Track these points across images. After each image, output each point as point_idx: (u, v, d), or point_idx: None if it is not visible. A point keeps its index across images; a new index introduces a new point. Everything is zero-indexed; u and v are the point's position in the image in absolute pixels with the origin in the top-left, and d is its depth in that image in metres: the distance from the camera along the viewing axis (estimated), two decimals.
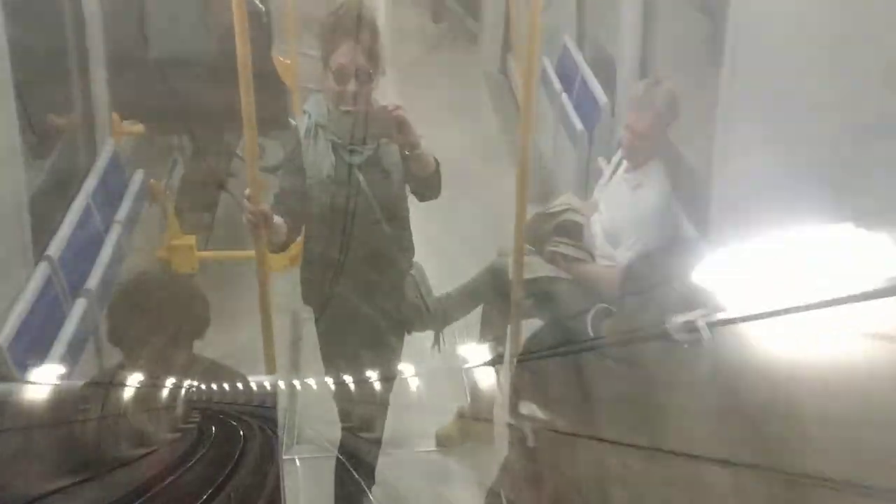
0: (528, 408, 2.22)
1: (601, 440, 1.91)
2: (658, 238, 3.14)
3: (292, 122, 4.31)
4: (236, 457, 3.19)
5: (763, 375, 1.27)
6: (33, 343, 2.79)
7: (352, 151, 2.65)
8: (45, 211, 3.31)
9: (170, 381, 3.03)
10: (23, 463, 2.10)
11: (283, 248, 2.76)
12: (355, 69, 2.53)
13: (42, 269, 3.01)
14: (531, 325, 3.17)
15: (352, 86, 2.54)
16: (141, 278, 2.78)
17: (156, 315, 2.44)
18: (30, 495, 2.01)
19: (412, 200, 2.84)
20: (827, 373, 1.12)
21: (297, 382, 3.93)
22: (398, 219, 2.80)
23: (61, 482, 2.15)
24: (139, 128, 4.25)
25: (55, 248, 3.16)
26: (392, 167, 2.70)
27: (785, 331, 1.14)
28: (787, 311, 1.08)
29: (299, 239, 2.97)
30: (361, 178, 2.67)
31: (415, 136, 2.57)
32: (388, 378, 3.08)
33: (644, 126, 3.16)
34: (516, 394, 2.36)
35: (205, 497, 2.56)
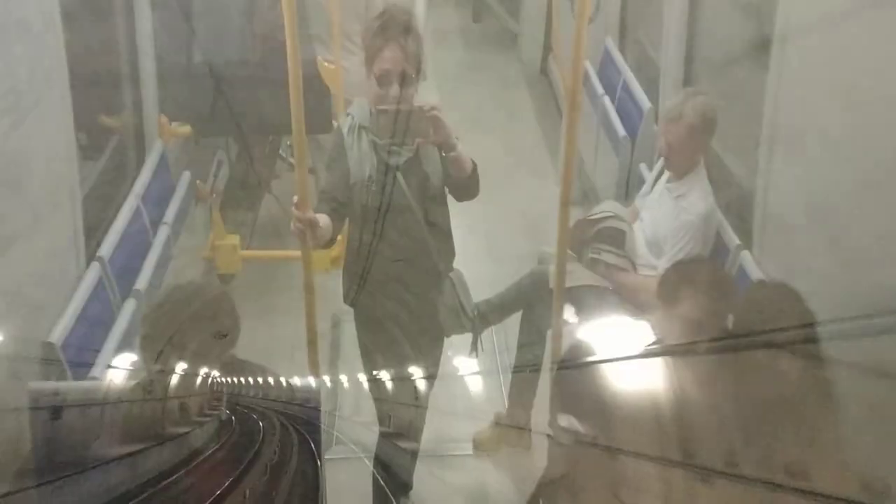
0: (566, 419, 2.23)
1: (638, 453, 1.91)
2: (700, 248, 3.12)
3: (335, 124, 4.36)
4: (254, 452, 3.25)
5: None
6: (85, 342, 2.87)
7: (392, 153, 2.69)
8: (96, 211, 3.39)
9: (207, 378, 3.10)
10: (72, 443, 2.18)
11: (327, 245, 2.82)
12: (398, 73, 2.59)
13: (94, 270, 3.10)
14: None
15: (394, 90, 2.60)
16: (170, 295, 2.84)
17: (185, 334, 2.50)
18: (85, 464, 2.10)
19: (451, 203, 2.87)
20: None
21: (336, 384, 3.98)
22: (438, 221, 2.84)
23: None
24: (186, 129, 4.33)
25: (106, 249, 3.24)
26: (432, 170, 2.74)
27: None
28: None
29: (339, 238, 3.01)
30: (401, 179, 2.72)
31: (450, 137, 2.62)
32: (427, 381, 3.11)
33: (677, 138, 3.16)
34: (555, 403, 2.37)
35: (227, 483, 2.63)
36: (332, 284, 3.48)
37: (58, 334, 2.72)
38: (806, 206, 2.75)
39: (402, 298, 2.92)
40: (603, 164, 4.61)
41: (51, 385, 2.56)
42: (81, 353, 2.83)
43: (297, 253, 2.95)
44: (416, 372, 3.11)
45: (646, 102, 4.25)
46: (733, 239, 3.15)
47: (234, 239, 4.46)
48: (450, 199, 2.86)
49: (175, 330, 2.48)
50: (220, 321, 2.58)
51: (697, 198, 3.15)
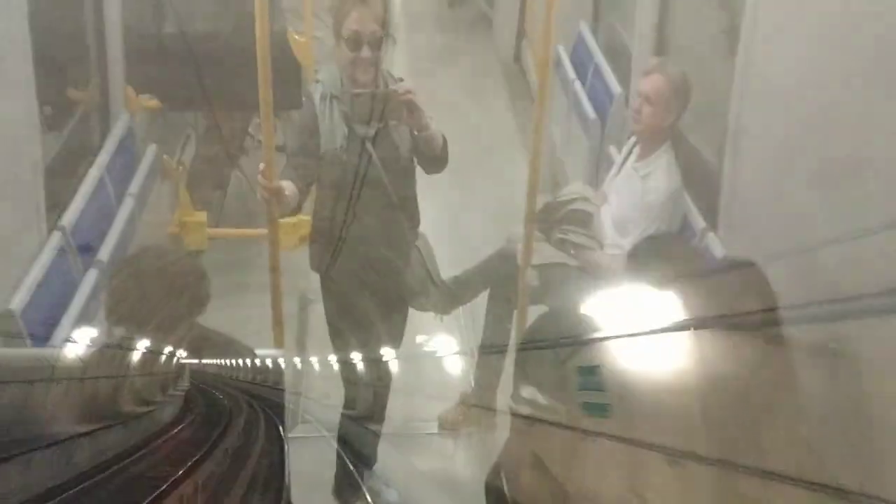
0: (528, 392, 2.24)
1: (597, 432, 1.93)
2: (666, 227, 3.14)
3: (305, 100, 4.33)
4: (223, 427, 3.24)
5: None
6: (45, 311, 2.83)
7: (363, 123, 2.72)
8: (59, 182, 3.34)
9: (171, 350, 3.07)
10: (30, 414, 2.15)
11: (293, 213, 2.82)
12: (368, 34, 2.62)
13: (55, 239, 3.05)
14: (539, 311, 3.19)
15: (364, 51, 2.64)
16: (138, 257, 2.81)
17: (153, 295, 2.47)
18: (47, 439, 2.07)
19: (423, 188, 2.90)
20: None
21: (302, 363, 3.97)
22: (405, 190, 2.88)
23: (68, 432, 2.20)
24: (154, 103, 4.27)
25: (68, 218, 3.20)
26: (401, 141, 2.79)
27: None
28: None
29: (307, 217, 3.01)
30: (371, 149, 2.74)
31: (424, 119, 2.67)
32: (392, 354, 3.13)
33: (653, 89, 3.13)
34: (518, 379, 2.38)
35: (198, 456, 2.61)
36: (300, 263, 3.46)
37: (17, 303, 2.68)
38: (772, 189, 2.78)
39: (369, 266, 2.96)
40: (573, 148, 4.63)
41: (6, 353, 2.52)
42: (41, 323, 2.79)
43: (265, 231, 2.94)
44: (382, 346, 3.12)
45: (616, 87, 4.27)
46: (699, 220, 3.18)
47: (202, 216, 4.43)
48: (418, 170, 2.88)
49: (142, 292, 2.45)
50: (190, 285, 2.56)
51: (663, 178, 3.17)
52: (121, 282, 2.72)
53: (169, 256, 2.78)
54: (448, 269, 3.26)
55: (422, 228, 3.03)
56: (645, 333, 1.91)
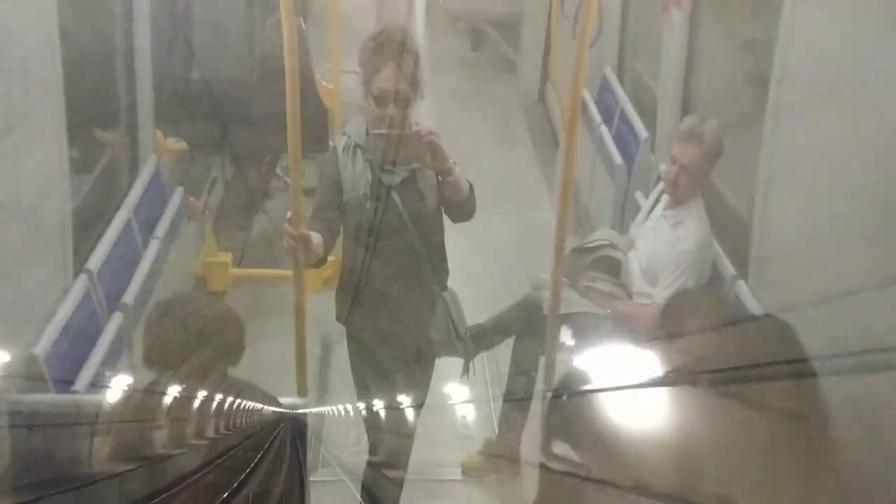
0: (561, 448, 2.18)
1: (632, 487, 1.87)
2: (697, 277, 3.09)
3: (332, 143, 4.36)
4: (249, 470, 3.20)
5: None
6: (69, 354, 2.82)
7: (387, 172, 2.68)
8: (86, 224, 3.35)
9: (200, 396, 3.05)
10: (53, 460, 2.13)
11: (318, 263, 2.79)
12: (396, 93, 2.57)
13: (81, 282, 3.05)
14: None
15: (391, 109, 2.59)
16: (177, 303, 2.80)
17: (191, 343, 2.45)
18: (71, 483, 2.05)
19: (447, 224, 2.86)
20: None
21: (324, 406, 3.93)
22: (432, 240, 2.83)
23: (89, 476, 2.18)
24: (182, 145, 4.31)
25: (95, 261, 3.20)
26: (428, 190, 2.73)
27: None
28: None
29: (332, 258, 2.98)
30: (397, 198, 2.71)
31: (447, 162, 2.61)
32: (418, 402, 3.07)
33: (691, 159, 3.12)
34: (549, 433, 2.32)
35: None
36: (322, 305, 3.44)
37: (42, 346, 2.67)
38: (803, 238, 2.73)
39: (395, 317, 2.90)
40: (599, 192, 4.61)
41: (30, 399, 2.51)
42: (66, 367, 2.77)
43: (288, 272, 2.92)
44: (407, 395, 3.08)
45: (643, 131, 4.26)
46: (729, 269, 3.13)
47: (226, 256, 4.44)
48: (445, 219, 2.84)
49: (182, 337, 2.44)
50: (229, 336, 2.55)
51: (694, 226, 3.13)
52: (160, 325, 2.72)
53: (207, 307, 2.77)
54: (471, 314, 3.22)
55: None
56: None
